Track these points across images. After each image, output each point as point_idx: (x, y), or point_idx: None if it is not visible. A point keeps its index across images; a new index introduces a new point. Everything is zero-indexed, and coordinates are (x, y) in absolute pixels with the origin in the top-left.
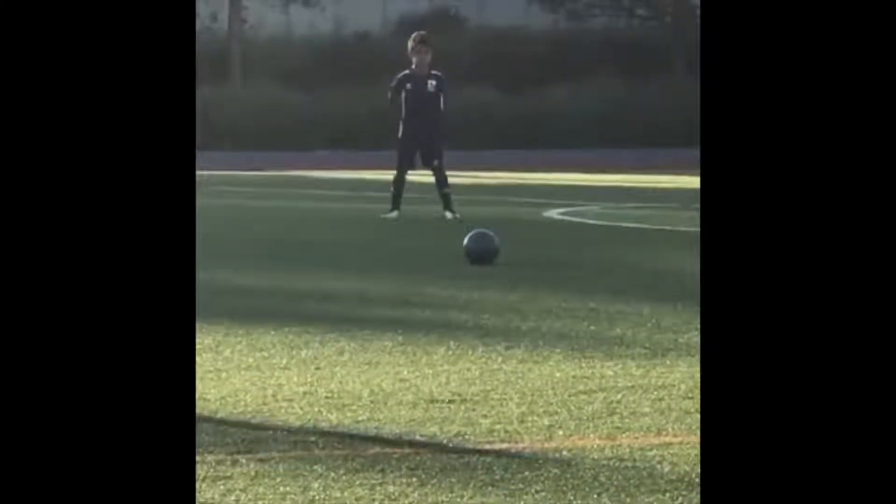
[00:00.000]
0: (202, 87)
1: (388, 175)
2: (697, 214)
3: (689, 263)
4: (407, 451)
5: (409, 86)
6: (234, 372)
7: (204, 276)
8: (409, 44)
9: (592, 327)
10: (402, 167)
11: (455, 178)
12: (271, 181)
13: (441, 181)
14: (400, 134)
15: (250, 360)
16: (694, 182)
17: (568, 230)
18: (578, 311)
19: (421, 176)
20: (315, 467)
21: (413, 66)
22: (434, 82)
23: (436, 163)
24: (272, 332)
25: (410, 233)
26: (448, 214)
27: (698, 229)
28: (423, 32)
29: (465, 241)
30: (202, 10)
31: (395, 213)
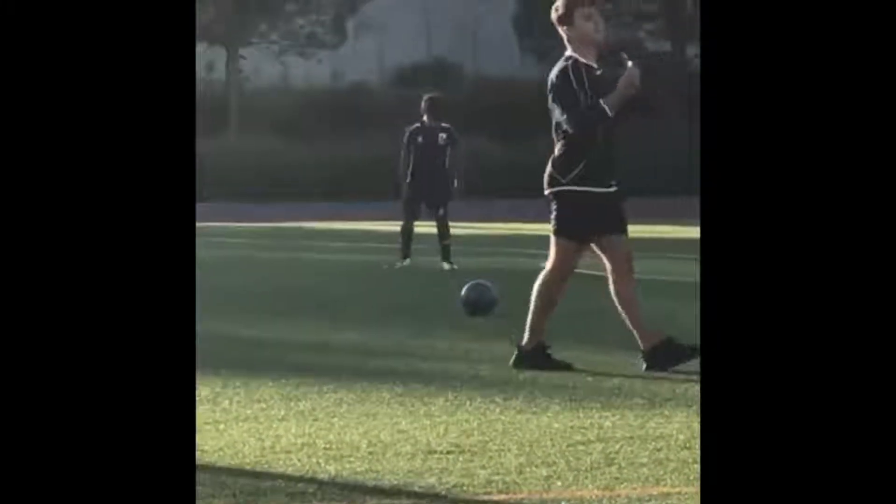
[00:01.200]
0: (198, 137)
1: (385, 226)
2: (694, 264)
3: (687, 313)
4: (405, 502)
5: (419, 139)
6: (232, 423)
7: (201, 327)
8: (423, 105)
9: (590, 378)
10: (409, 217)
11: (451, 228)
12: (268, 232)
13: (443, 233)
14: (407, 184)
15: (248, 411)
16: (691, 231)
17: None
18: (576, 362)
19: (422, 227)
20: None
21: (424, 119)
22: (444, 135)
23: (441, 212)
24: (270, 384)
25: (408, 284)
26: (445, 265)
27: (696, 279)
28: (435, 95)
29: (463, 292)
30: (198, 61)
31: (407, 262)
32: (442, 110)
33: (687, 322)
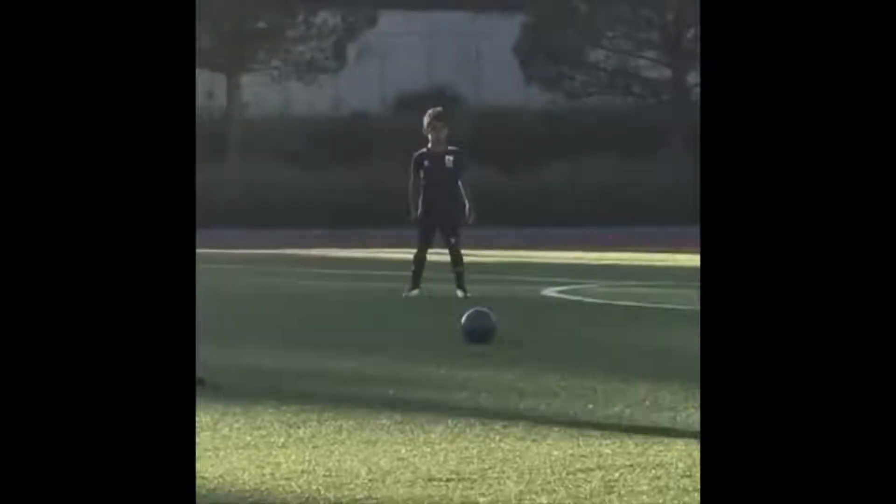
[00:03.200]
0: (199, 165)
1: (386, 253)
2: (695, 293)
3: (687, 342)
4: None
5: (426, 163)
6: (232, 450)
7: (200, 353)
8: (425, 120)
9: (590, 406)
10: (423, 245)
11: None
12: (269, 259)
13: (456, 260)
14: (419, 212)
15: (248, 438)
16: (692, 260)
17: (566, 308)
18: (576, 390)
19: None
20: None
21: (430, 144)
22: (451, 157)
23: (453, 240)
24: (270, 411)
25: (409, 311)
26: (459, 293)
27: (696, 307)
28: (438, 109)
29: (463, 319)
30: (198, 88)
31: (416, 292)
32: (446, 123)
33: (690, 347)
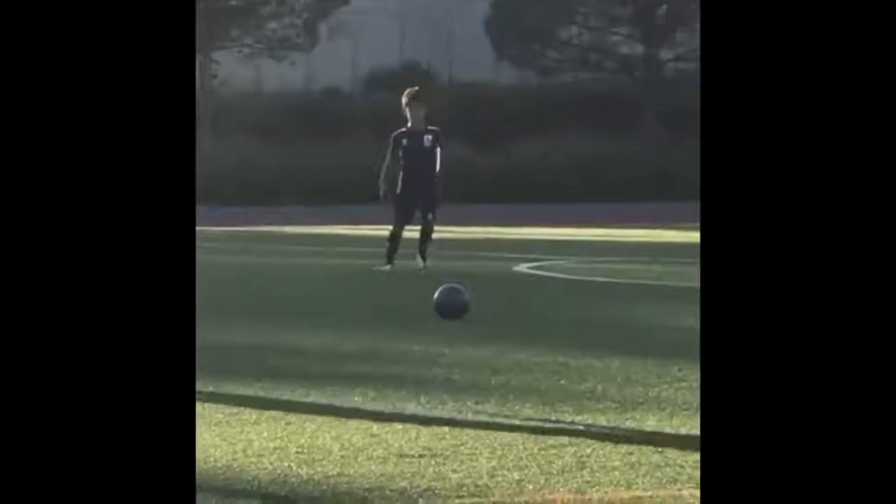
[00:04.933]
0: None
1: (359, 230)
2: (666, 268)
3: (660, 317)
4: None
5: (405, 142)
6: (205, 427)
7: None
8: (403, 100)
9: (562, 381)
10: (399, 223)
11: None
12: (241, 237)
13: (425, 237)
14: (398, 190)
15: (220, 415)
16: (664, 235)
17: (538, 285)
18: (548, 366)
19: (387, 231)
20: None
21: (409, 124)
22: (430, 137)
23: (430, 216)
24: (242, 388)
25: (381, 288)
26: (420, 263)
27: (669, 283)
28: (415, 88)
29: (436, 296)
30: None
31: (388, 267)
32: (424, 102)
33: (662, 323)
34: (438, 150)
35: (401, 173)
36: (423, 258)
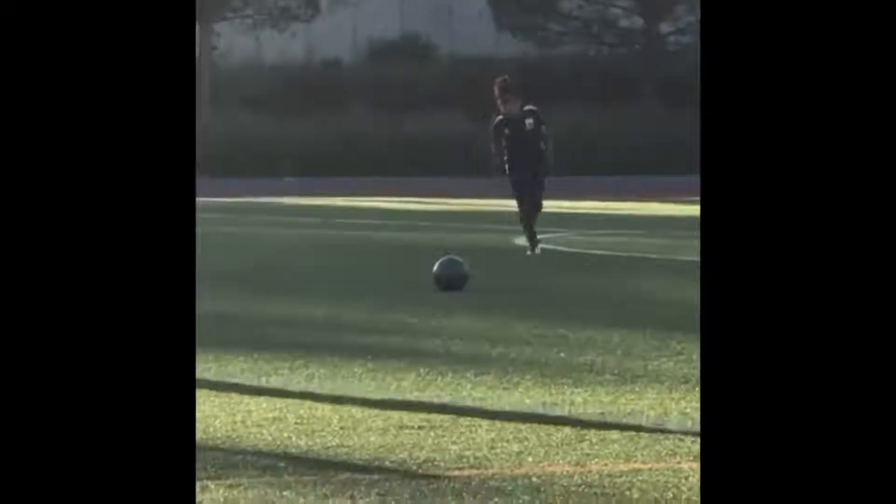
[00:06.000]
0: None
1: (358, 201)
2: (665, 241)
3: (659, 290)
4: (376, 476)
5: (507, 131)
6: (205, 398)
7: None
8: (496, 92)
9: (562, 354)
10: (523, 207)
11: (424, 205)
12: (240, 207)
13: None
14: (511, 179)
15: (220, 385)
16: (663, 209)
17: (538, 257)
18: (548, 338)
19: (389, 202)
20: (284, 493)
21: (502, 109)
22: (531, 120)
23: (538, 196)
24: (242, 359)
25: (380, 260)
26: (529, 250)
27: (668, 256)
28: (504, 78)
29: (435, 267)
30: None
31: (538, 250)
32: (516, 90)
33: (662, 296)
34: (542, 128)
35: (507, 162)
36: (535, 246)
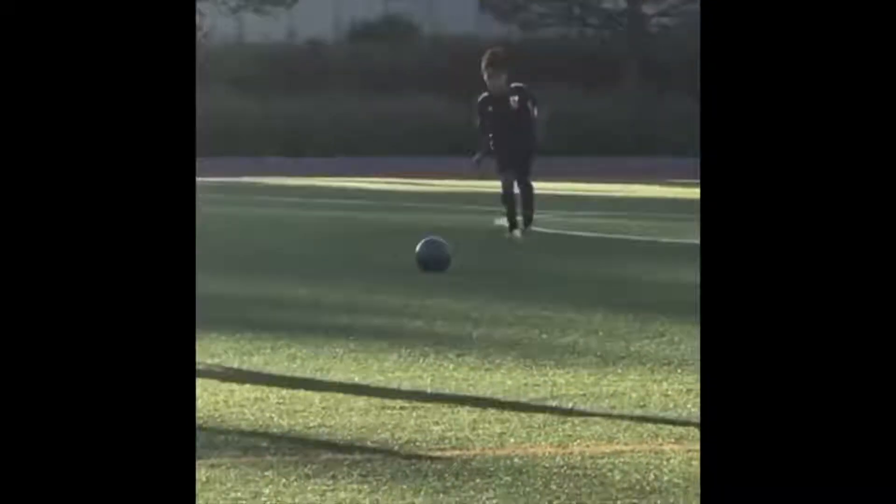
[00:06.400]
0: None
1: (339, 182)
2: (648, 223)
3: (640, 272)
4: (358, 457)
5: (490, 109)
6: None
7: None
8: (482, 65)
9: (544, 335)
10: (506, 187)
11: (407, 185)
12: (222, 188)
13: (527, 201)
14: (495, 159)
15: (201, 366)
16: (646, 191)
17: (520, 239)
18: (530, 319)
19: (371, 183)
20: (266, 473)
21: (488, 87)
22: (516, 97)
23: (526, 179)
24: (223, 339)
25: (363, 240)
26: (517, 233)
27: (650, 238)
28: (493, 51)
29: (417, 248)
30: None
31: (516, 232)
32: (503, 65)
33: (644, 277)
34: (530, 105)
35: (491, 142)
36: (525, 223)
